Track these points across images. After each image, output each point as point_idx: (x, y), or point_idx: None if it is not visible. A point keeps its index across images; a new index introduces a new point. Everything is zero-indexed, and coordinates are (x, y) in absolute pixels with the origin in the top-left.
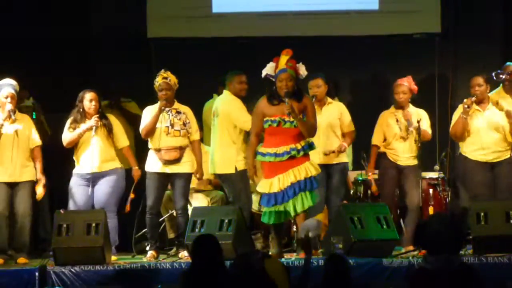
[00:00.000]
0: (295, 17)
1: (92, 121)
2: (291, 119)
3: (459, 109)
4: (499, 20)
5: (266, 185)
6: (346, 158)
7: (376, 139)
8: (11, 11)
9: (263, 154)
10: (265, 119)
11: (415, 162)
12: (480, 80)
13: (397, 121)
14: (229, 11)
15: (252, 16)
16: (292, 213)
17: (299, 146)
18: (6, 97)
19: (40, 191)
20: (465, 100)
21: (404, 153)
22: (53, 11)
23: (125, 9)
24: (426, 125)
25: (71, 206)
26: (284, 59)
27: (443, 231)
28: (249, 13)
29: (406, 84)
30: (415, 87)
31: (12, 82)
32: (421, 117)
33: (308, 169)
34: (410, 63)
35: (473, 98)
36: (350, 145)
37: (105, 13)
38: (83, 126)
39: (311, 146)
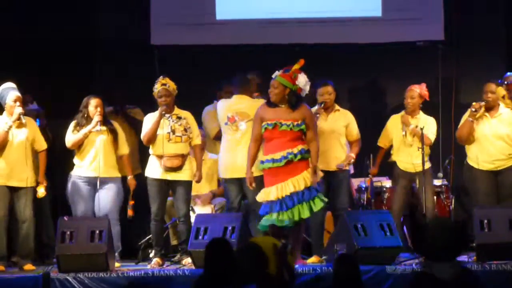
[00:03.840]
0: (298, 25)
1: (96, 117)
2: (288, 122)
3: (468, 112)
4: (501, 27)
5: (264, 194)
6: (346, 166)
7: (381, 141)
8: (14, 16)
9: (262, 162)
10: (262, 123)
11: (426, 166)
12: (493, 87)
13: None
14: (233, 18)
15: (256, 24)
16: (285, 223)
17: (295, 150)
18: (15, 101)
19: (42, 191)
20: (473, 104)
21: (412, 159)
22: (56, 18)
23: (129, 16)
24: (428, 131)
25: (80, 210)
26: (296, 67)
27: (440, 237)
28: (253, 20)
29: (416, 90)
30: (425, 93)
31: (14, 85)
32: (425, 124)
33: (306, 178)
34: (413, 70)
35: (482, 103)
36: (356, 155)
37: (109, 19)
38: (88, 127)
39: (308, 150)
